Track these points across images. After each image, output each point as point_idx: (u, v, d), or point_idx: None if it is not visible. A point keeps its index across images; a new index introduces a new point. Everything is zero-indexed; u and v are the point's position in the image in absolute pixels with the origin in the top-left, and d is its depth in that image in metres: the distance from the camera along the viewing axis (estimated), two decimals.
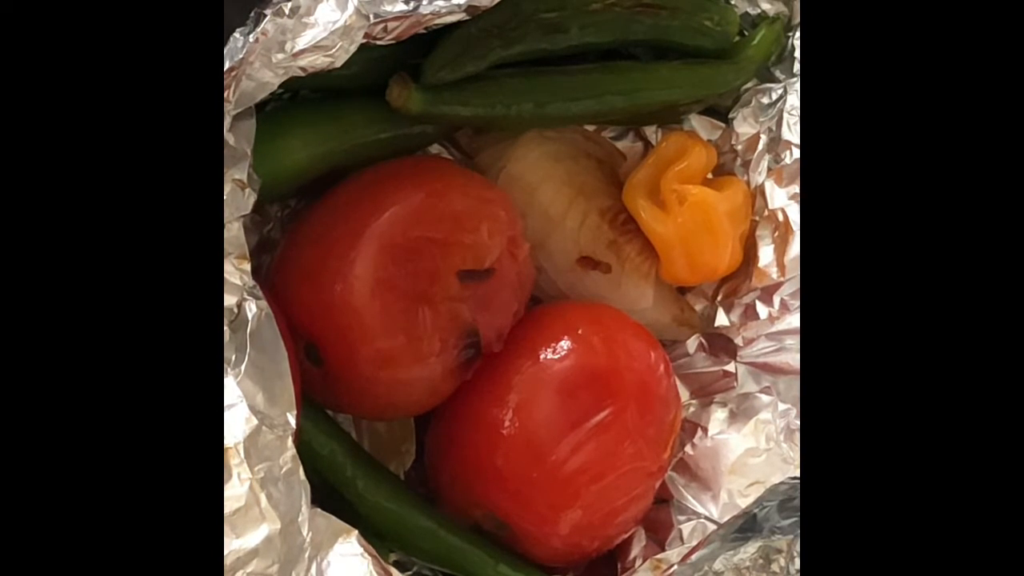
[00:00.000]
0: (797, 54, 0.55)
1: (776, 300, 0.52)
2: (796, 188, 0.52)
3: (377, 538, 0.44)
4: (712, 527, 0.48)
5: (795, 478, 0.48)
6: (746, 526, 0.47)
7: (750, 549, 0.47)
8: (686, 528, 0.49)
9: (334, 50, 0.40)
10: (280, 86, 0.41)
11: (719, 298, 0.54)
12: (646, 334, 0.49)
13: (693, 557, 0.47)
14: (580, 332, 0.48)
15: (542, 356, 0.47)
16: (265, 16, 0.40)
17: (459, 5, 0.42)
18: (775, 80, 0.55)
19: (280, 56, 0.40)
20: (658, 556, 0.47)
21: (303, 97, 0.48)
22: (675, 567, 0.46)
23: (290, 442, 0.38)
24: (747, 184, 0.54)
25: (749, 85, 0.56)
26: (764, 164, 0.54)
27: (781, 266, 0.52)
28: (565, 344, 0.47)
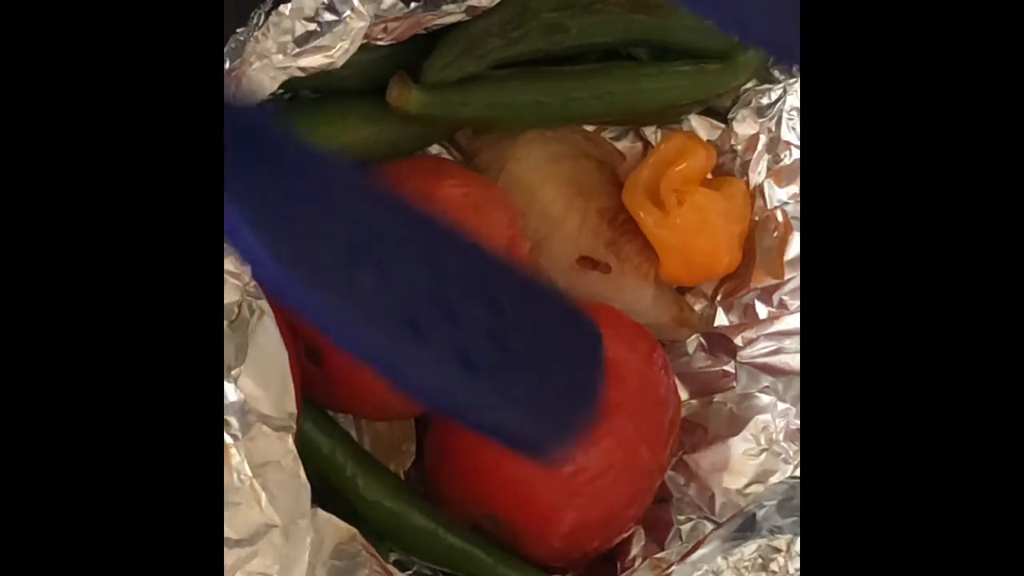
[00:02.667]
0: None
1: (776, 300, 0.52)
2: (796, 188, 0.52)
3: (377, 538, 0.44)
4: (711, 526, 0.48)
5: (795, 478, 0.48)
6: (745, 525, 0.47)
7: (749, 548, 0.46)
8: (685, 527, 0.49)
9: (334, 50, 0.40)
10: (280, 86, 0.41)
11: (719, 298, 0.54)
12: (645, 334, 0.49)
13: (692, 556, 0.47)
14: None
15: None
16: (265, 16, 0.40)
17: (459, 6, 0.42)
18: (775, 80, 0.55)
19: (280, 56, 0.40)
20: (657, 555, 0.47)
21: (303, 97, 0.48)
22: (674, 566, 0.46)
23: (290, 442, 0.38)
24: (746, 184, 0.54)
25: (749, 85, 0.55)
26: (764, 164, 0.54)
27: (781, 266, 0.52)
28: None
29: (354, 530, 0.41)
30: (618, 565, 0.50)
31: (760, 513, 0.47)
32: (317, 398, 0.46)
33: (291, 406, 0.39)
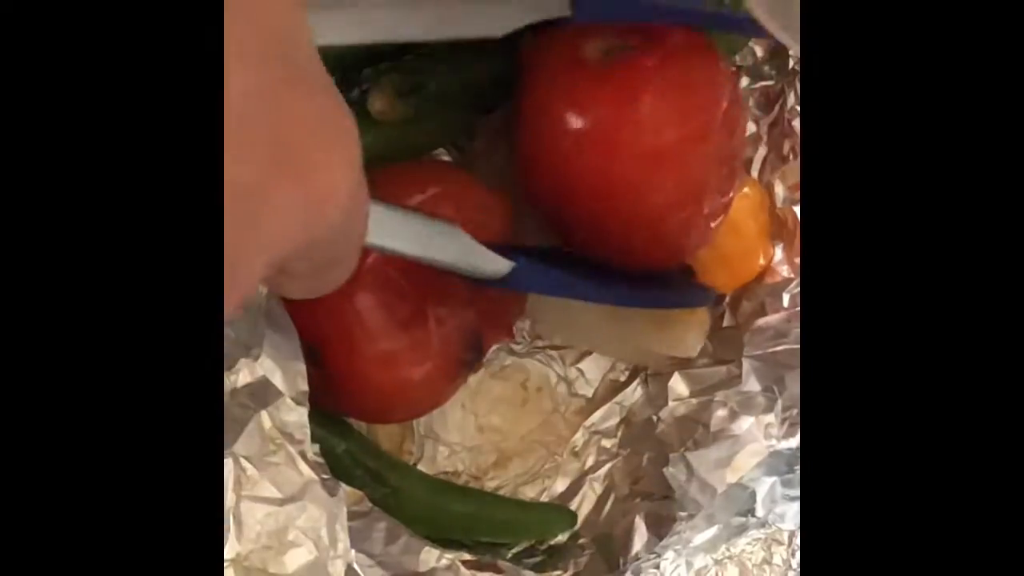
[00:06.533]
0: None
1: (784, 298, 0.52)
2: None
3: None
4: (713, 521, 0.48)
5: (796, 474, 0.48)
6: (747, 520, 0.48)
7: (751, 542, 0.47)
8: (687, 523, 0.49)
9: None
10: None
11: (726, 296, 0.54)
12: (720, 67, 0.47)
13: (692, 545, 0.47)
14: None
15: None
16: None
17: None
18: (772, 78, 0.55)
19: None
20: (659, 549, 0.48)
21: None
22: (676, 560, 0.47)
23: (305, 415, 0.39)
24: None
25: (747, 83, 0.55)
26: (768, 163, 0.54)
27: (790, 264, 0.53)
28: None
29: (360, 492, 0.42)
30: (620, 560, 0.50)
31: (761, 508, 0.48)
32: (317, 401, 0.45)
33: (303, 384, 0.40)
